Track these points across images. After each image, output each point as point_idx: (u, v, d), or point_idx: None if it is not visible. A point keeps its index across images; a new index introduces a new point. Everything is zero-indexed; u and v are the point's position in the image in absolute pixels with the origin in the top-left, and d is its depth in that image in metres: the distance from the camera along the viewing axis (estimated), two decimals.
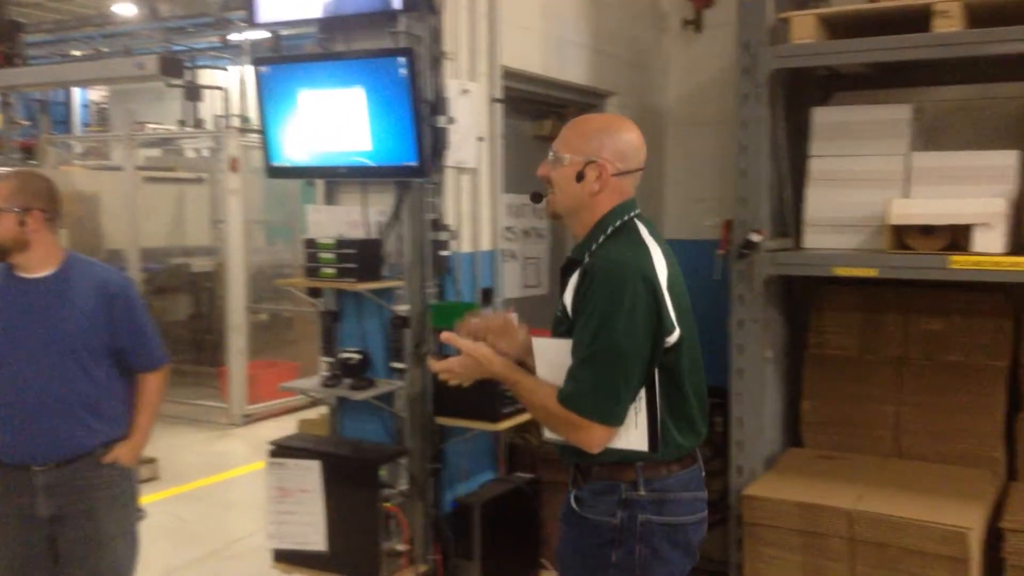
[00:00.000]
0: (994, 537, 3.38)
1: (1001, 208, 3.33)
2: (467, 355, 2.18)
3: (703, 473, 2.24)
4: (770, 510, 3.51)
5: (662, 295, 2.06)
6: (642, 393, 2.07)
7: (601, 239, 2.13)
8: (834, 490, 3.52)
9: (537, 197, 2.36)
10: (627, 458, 2.11)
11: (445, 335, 2.25)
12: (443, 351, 3.51)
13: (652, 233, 2.18)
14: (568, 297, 2.11)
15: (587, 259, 2.11)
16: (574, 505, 2.16)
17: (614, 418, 2.04)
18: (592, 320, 2.02)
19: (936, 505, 3.36)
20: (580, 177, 2.13)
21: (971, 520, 3.25)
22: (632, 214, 2.18)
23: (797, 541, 3.46)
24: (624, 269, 2.04)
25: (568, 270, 2.16)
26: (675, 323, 2.07)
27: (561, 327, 2.14)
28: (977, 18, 3.43)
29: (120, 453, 2.71)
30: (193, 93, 9.61)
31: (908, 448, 3.90)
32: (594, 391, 2.02)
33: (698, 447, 2.21)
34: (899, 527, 3.28)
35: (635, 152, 2.18)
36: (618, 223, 2.15)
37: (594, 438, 2.04)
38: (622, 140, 2.17)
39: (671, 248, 2.20)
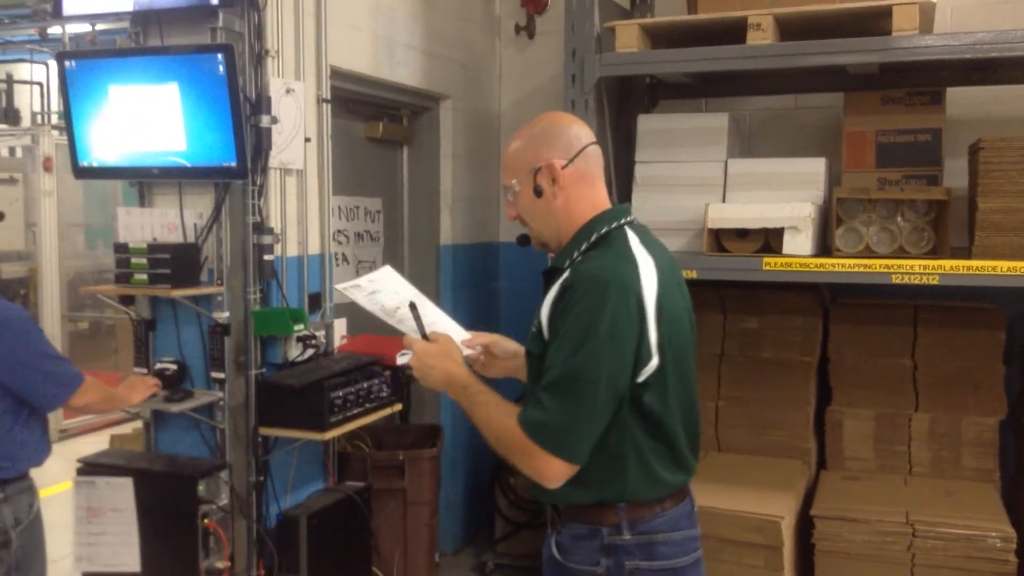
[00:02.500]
0: (805, 524, 3.57)
1: (808, 212, 3.52)
2: (432, 342, 2.02)
3: (694, 508, 2.07)
4: None
5: (646, 317, 1.85)
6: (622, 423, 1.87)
7: (584, 246, 1.94)
8: None
9: (524, 239, 2.15)
10: (606, 499, 1.90)
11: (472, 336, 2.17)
12: (266, 360, 3.40)
13: (645, 242, 1.96)
14: (544, 312, 1.91)
15: (568, 269, 1.91)
16: (555, 552, 1.98)
17: (578, 455, 1.82)
18: (567, 340, 1.81)
19: (752, 496, 3.52)
20: (538, 192, 1.97)
21: (784, 509, 3.42)
22: (621, 221, 1.98)
23: None
24: (606, 285, 1.82)
25: (549, 279, 1.98)
26: (653, 352, 1.86)
27: (536, 345, 1.93)
28: (789, 32, 3.62)
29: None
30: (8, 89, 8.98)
31: (727, 441, 4.07)
32: (560, 421, 1.80)
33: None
34: (718, 518, 3.42)
35: (567, 134, 1.99)
36: (604, 230, 1.95)
37: (553, 472, 1.83)
38: (549, 131, 2.01)
39: (668, 253, 2.02)
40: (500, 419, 1.89)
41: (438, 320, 2.26)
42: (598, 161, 2.03)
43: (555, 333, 1.85)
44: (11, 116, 8.83)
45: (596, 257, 1.91)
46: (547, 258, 2.22)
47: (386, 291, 2.22)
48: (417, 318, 2.10)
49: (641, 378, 1.86)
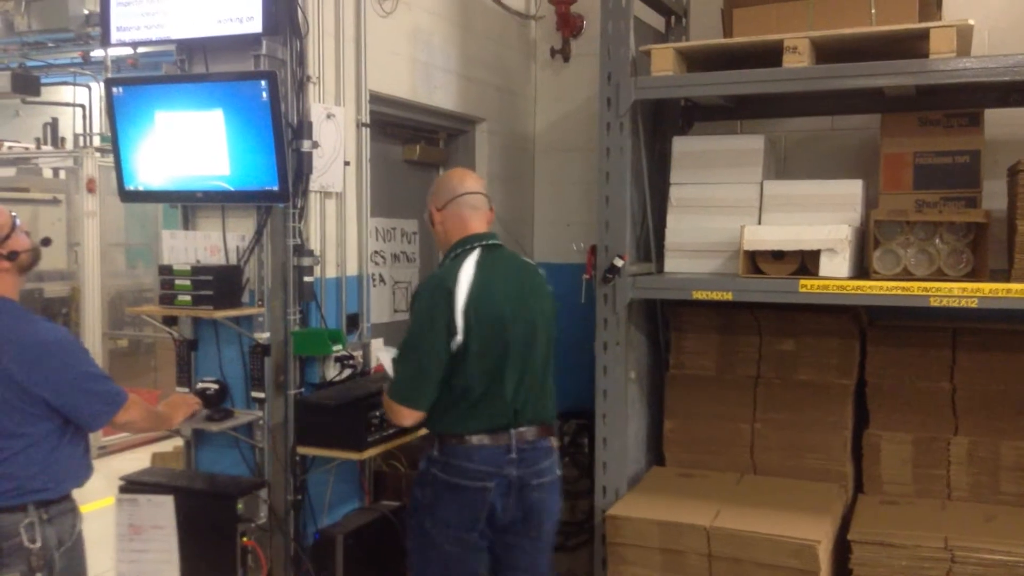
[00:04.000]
0: (842, 549, 3.53)
1: (845, 234, 3.51)
2: None
3: (508, 451, 2.78)
4: (632, 529, 3.57)
5: (453, 303, 2.68)
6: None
7: (443, 262, 2.88)
8: (693, 507, 3.62)
9: None
10: (432, 431, 2.84)
11: None
12: (304, 380, 3.45)
13: (483, 259, 2.79)
14: None
15: None
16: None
17: (416, 402, 2.74)
18: (410, 319, 2.80)
19: (788, 520, 3.49)
20: (432, 223, 2.94)
21: (820, 533, 3.39)
22: (470, 247, 2.83)
23: (658, 559, 3.54)
24: (430, 281, 2.82)
25: None
26: (459, 330, 2.68)
27: None
28: (824, 54, 3.62)
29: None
30: (50, 111, 9.19)
31: (763, 464, 4.05)
32: (400, 381, 2.75)
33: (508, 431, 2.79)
34: (753, 542, 3.40)
35: (444, 186, 2.92)
36: (454, 254, 2.83)
37: (402, 417, 2.78)
38: (435, 185, 2.97)
39: (522, 273, 2.94)
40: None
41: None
42: (471, 206, 2.90)
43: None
44: (56, 139, 9.02)
45: (428, 277, 2.92)
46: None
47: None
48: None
49: (453, 349, 2.70)
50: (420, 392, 2.72)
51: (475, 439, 2.75)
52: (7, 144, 10.09)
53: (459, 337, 2.68)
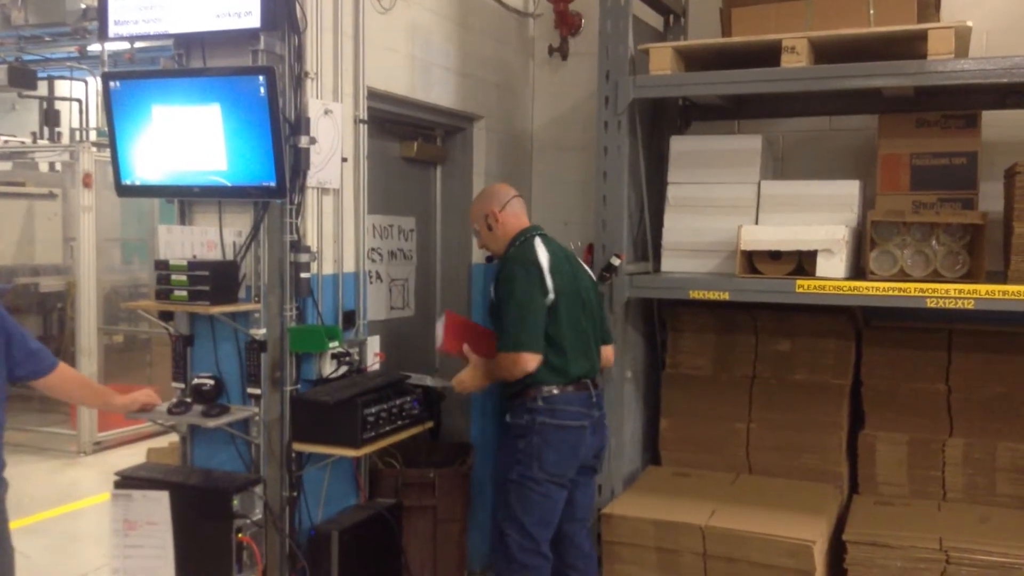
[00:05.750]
0: (837, 549, 3.54)
1: (842, 235, 3.52)
2: (473, 362, 3.47)
3: (590, 395, 3.40)
4: (628, 528, 3.58)
5: (543, 271, 3.31)
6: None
7: (511, 249, 3.45)
8: (689, 507, 3.63)
9: (490, 259, 3.99)
10: (531, 382, 3.31)
11: (466, 348, 3.50)
12: (300, 377, 3.44)
13: (544, 241, 3.45)
14: (491, 291, 3.44)
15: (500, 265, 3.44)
16: (507, 416, 3.41)
17: (536, 347, 3.25)
18: (507, 302, 3.28)
19: (784, 519, 3.50)
20: (490, 227, 3.52)
21: (816, 533, 3.40)
22: (531, 234, 3.47)
23: (653, 558, 3.54)
24: (516, 259, 3.37)
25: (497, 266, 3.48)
26: (551, 290, 3.30)
27: (494, 306, 3.41)
28: (823, 54, 3.63)
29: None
30: (50, 106, 9.14)
31: (758, 464, 4.05)
32: (521, 333, 3.24)
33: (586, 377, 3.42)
34: (749, 542, 3.41)
35: (499, 193, 3.59)
36: (521, 240, 3.46)
37: (526, 362, 3.24)
38: (488, 193, 3.63)
39: (567, 252, 3.57)
40: (497, 360, 3.33)
41: None
42: (520, 206, 3.59)
43: (501, 304, 3.32)
44: (54, 133, 8.97)
45: (514, 250, 3.44)
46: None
47: None
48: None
49: (547, 304, 3.30)
50: (537, 340, 3.25)
51: (571, 387, 3.34)
52: (2, 138, 10.08)
53: (551, 295, 3.29)
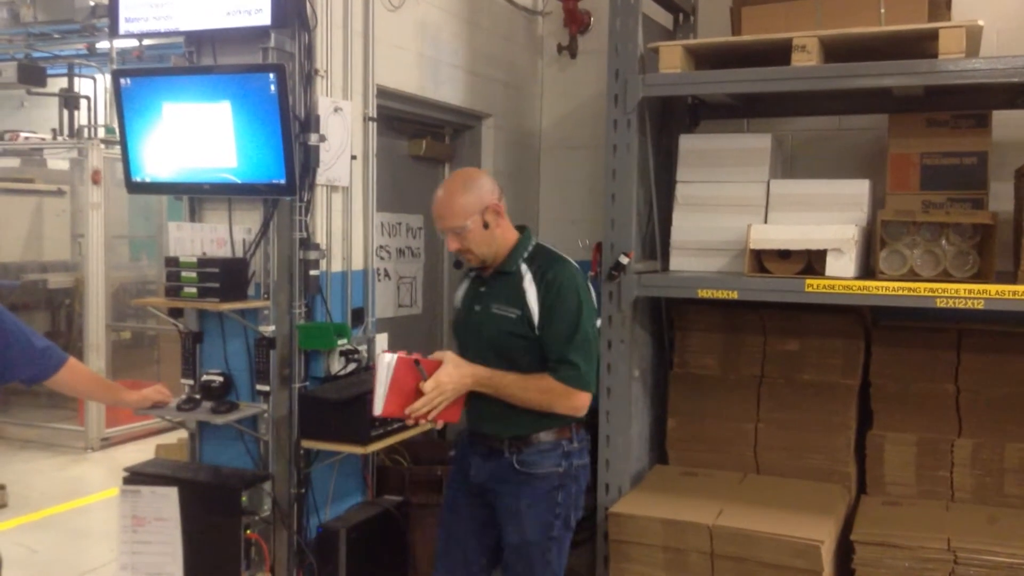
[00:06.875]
0: (845, 549, 3.53)
1: (852, 234, 3.50)
2: (449, 365, 2.60)
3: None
4: (635, 527, 3.57)
5: (591, 293, 2.76)
6: None
7: (525, 255, 2.75)
8: (696, 506, 3.62)
9: (458, 264, 2.95)
10: (566, 421, 2.74)
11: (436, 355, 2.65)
12: (309, 374, 3.45)
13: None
14: (533, 304, 2.67)
15: (525, 271, 2.71)
16: (518, 467, 2.72)
17: (594, 387, 2.71)
18: (569, 314, 2.64)
19: (791, 519, 3.49)
20: (487, 225, 2.69)
21: (823, 533, 3.39)
22: (535, 240, 2.82)
23: (660, 557, 3.53)
24: (578, 277, 2.71)
25: (497, 278, 2.75)
26: (596, 312, 2.80)
27: (519, 326, 2.67)
28: (833, 53, 3.61)
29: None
30: (70, 102, 9.15)
31: (766, 464, 4.04)
32: (587, 369, 2.65)
33: None
34: (756, 541, 3.40)
35: (488, 181, 2.79)
36: (531, 246, 2.78)
37: (585, 403, 2.68)
38: (483, 181, 2.76)
39: None
40: (534, 383, 2.64)
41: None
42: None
43: (553, 311, 2.65)
44: (74, 124, 8.92)
45: (555, 262, 2.73)
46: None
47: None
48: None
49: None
50: (595, 375, 2.76)
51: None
52: (23, 135, 10.08)
53: (598, 320, 2.94)
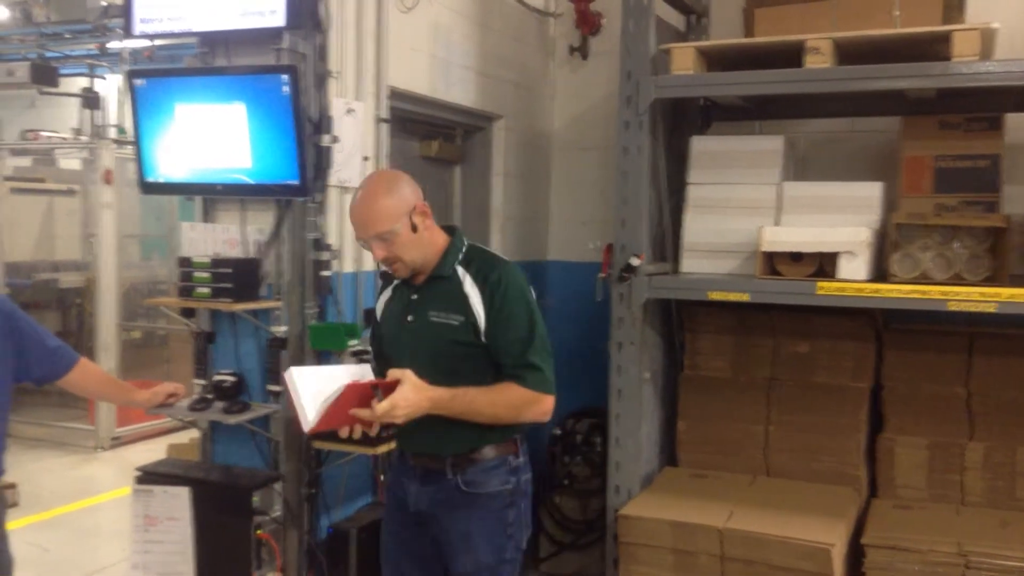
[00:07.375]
0: (856, 553, 3.52)
1: (865, 237, 3.50)
2: (407, 387, 2.29)
3: None
4: (644, 529, 3.57)
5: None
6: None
7: (460, 257, 2.54)
8: (706, 508, 3.61)
9: (387, 276, 2.69)
10: (510, 434, 2.54)
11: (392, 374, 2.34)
12: None
13: None
14: (476, 306, 2.45)
15: (463, 274, 2.50)
16: (464, 487, 2.50)
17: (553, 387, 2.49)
18: (522, 317, 2.45)
19: (802, 522, 3.49)
20: (415, 228, 2.46)
21: (834, 536, 3.39)
22: (466, 240, 2.61)
23: (670, 559, 3.53)
24: (521, 277, 2.53)
25: (431, 285, 2.53)
26: None
27: (463, 333, 2.45)
28: (846, 55, 3.61)
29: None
30: (91, 102, 9.19)
31: (777, 466, 4.04)
32: (549, 372, 2.47)
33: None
34: (766, 544, 3.39)
35: (409, 182, 2.54)
36: (465, 247, 2.57)
37: (550, 407, 2.48)
38: (404, 182, 2.52)
39: None
40: (501, 395, 2.42)
41: (334, 373, 2.42)
42: None
43: (501, 317, 2.44)
44: (95, 120, 8.92)
45: (495, 263, 2.54)
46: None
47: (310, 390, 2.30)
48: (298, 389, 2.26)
49: None
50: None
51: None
52: (44, 134, 10.11)
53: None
